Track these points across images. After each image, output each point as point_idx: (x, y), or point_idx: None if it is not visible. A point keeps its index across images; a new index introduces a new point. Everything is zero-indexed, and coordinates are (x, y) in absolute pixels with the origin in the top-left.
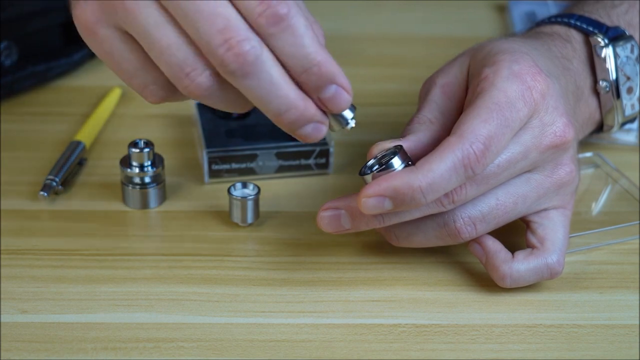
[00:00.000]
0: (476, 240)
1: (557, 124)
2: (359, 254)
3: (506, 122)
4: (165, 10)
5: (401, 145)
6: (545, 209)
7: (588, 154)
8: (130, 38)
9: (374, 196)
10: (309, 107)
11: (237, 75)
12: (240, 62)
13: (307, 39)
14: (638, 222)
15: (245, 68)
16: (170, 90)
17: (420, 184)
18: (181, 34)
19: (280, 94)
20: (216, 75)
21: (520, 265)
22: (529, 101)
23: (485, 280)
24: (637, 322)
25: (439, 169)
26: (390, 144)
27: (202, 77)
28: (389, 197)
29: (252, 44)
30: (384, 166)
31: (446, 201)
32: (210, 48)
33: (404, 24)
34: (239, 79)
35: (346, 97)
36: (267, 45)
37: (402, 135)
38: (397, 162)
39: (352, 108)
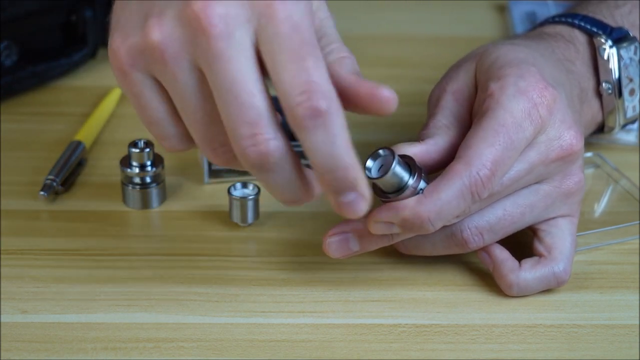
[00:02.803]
0: (484, 249)
1: (564, 138)
2: (359, 254)
3: (512, 145)
4: (204, 78)
5: (392, 150)
6: (553, 218)
7: (588, 154)
8: (162, 88)
9: (382, 222)
10: (316, 196)
11: (256, 169)
12: (262, 160)
13: (339, 140)
14: (638, 222)
15: (265, 166)
16: (189, 145)
17: (429, 214)
18: (217, 108)
19: (293, 189)
20: None
21: (528, 274)
22: (535, 119)
23: (485, 280)
24: (637, 322)
25: (447, 197)
26: (410, 148)
27: (227, 155)
28: (397, 224)
29: (277, 145)
30: (398, 191)
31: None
32: (235, 136)
33: (404, 24)
34: (257, 172)
35: (363, 207)
36: (298, 136)
37: (418, 139)
38: (411, 181)
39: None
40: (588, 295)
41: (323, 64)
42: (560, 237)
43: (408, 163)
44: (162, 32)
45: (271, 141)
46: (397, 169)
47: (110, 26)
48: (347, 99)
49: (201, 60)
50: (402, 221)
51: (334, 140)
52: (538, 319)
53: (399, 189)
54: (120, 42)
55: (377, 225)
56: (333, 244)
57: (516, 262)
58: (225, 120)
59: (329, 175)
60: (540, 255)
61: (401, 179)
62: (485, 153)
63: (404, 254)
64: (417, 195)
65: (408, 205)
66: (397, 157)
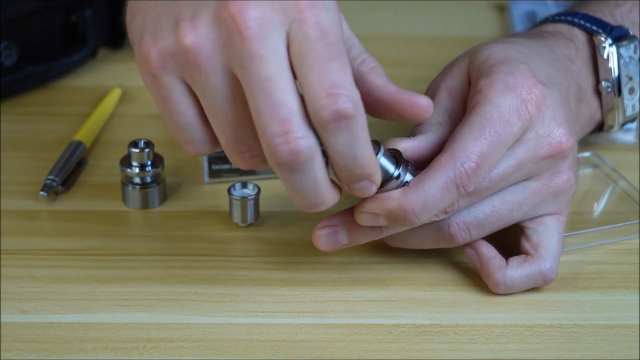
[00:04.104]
0: (471, 245)
1: (553, 135)
2: (359, 254)
3: (499, 139)
4: (236, 81)
5: (378, 143)
6: (540, 215)
7: (586, 154)
8: (190, 92)
9: (368, 213)
10: (336, 201)
11: (285, 169)
12: (292, 159)
13: (361, 141)
14: (637, 221)
15: (295, 165)
16: (213, 149)
17: (413, 206)
18: (247, 112)
19: (318, 193)
20: (264, 156)
21: (514, 272)
22: (523, 115)
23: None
24: (637, 322)
25: (431, 189)
26: (401, 143)
27: (253, 160)
28: (382, 216)
29: (308, 143)
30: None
31: (439, 212)
32: (266, 134)
33: (404, 24)
34: (284, 172)
35: (372, 190)
36: (321, 136)
37: (411, 135)
38: (396, 173)
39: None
40: (588, 295)
41: (349, 69)
42: (547, 236)
43: (395, 156)
44: (197, 34)
45: (302, 139)
46: (382, 160)
47: (130, 29)
48: (388, 107)
49: (235, 62)
50: (386, 212)
51: (356, 142)
52: (538, 319)
53: (385, 180)
54: (151, 45)
55: (363, 216)
56: (322, 237)
57: (503, 259)
58: (257, 119)
59: (347, 173)
60: (527, 254)
61: (386, 170)
62: (471, 146)
63: (404, 253)
64: (403, 187)
65: (392, 197)
66: (382, 149)
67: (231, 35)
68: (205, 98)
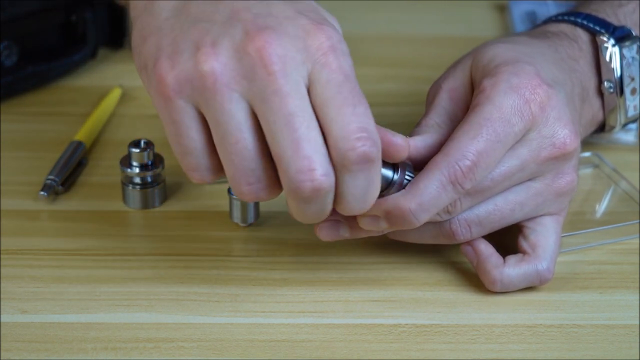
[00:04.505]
0: (469, 243)
1: (557, 136)
2: (359, 254)
3: (497, 138)
4: (253, 114)
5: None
6: (540, 215)
7: (587, 154)
8: (202, 119)
9: (367, 216)
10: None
11: (302, 202)
12: (313, 195)
13: (374, 187)
14: (637, 221)
15: (313, 199)
16: (218, 178)
17: (409, 206)
18: (259, 142)
19: (320, 218)
20: (272, 188)
21: (511, 270)
22: (526, 115)
23: None
24: (637, 322)
25: (427, 188)
26: None
27: (261, 192)
28: (382, 218)
29: (330, 182)
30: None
31: (442, 212)
32: (289, 170)
33: (404, 24)
34: (299, 203)
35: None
36: (339, 177)
37: (409, 136)
38: (396, 177)
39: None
40: (588, 295)
41: (371, 113)
42: (544, 236)
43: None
44: (218, 61)
45: (325, 177)
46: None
47: (140, 52)
48: None
49: (256, 95)
50: (385, 214)
51: (370, 186)
52: (538, 319)
53: (386, 186)
54: (169, 68)
55: (365, 220)
56: (324, 228)
57: (500, 258)
58: (280, 154)
59: (348, 211)
60: (524, 253)
61: (385, 177)
62: (467, 145)
63: (404, 253)
64: (401, 189)
65: (389, 198)
66: None
67: (255, 69)
68: (217, 125)
